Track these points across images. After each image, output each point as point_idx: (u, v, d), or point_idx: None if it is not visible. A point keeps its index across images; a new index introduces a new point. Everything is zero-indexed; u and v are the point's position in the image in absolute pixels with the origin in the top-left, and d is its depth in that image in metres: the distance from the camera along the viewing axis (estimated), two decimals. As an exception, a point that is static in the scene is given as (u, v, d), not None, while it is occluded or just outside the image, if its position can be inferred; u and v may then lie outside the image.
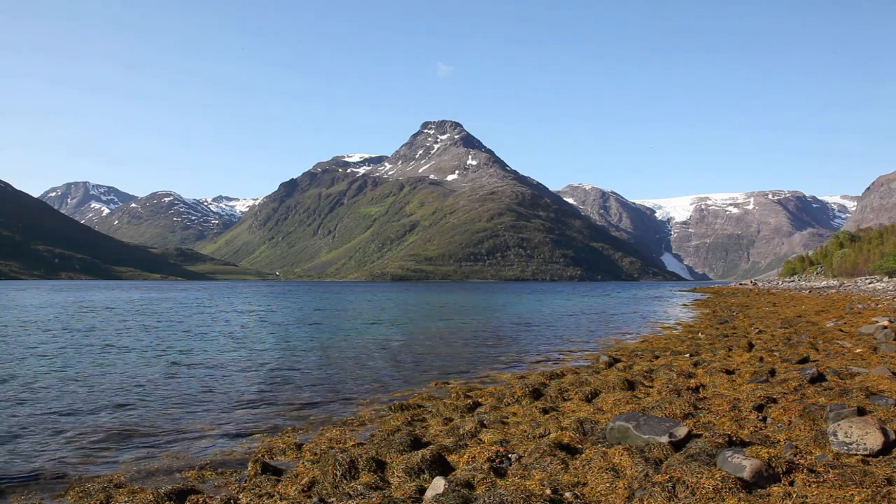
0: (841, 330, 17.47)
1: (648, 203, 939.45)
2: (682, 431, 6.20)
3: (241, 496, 5.98)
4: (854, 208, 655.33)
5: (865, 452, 5.50)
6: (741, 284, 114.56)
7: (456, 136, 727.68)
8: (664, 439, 6.10)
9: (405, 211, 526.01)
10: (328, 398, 11.36)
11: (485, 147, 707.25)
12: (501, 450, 6.68)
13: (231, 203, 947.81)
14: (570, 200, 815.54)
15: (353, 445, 7.72)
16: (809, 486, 4.78)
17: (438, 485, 5.48)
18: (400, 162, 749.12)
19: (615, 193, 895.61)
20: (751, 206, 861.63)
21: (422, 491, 5.62)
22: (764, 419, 7.22)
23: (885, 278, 72.51)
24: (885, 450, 5.48)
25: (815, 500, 4.55)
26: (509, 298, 69.11)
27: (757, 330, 20.12)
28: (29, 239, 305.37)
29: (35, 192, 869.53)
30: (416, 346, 20.34)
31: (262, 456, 7.53)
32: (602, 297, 75.86)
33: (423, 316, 37.33)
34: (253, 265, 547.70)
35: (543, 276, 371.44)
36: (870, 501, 4.47)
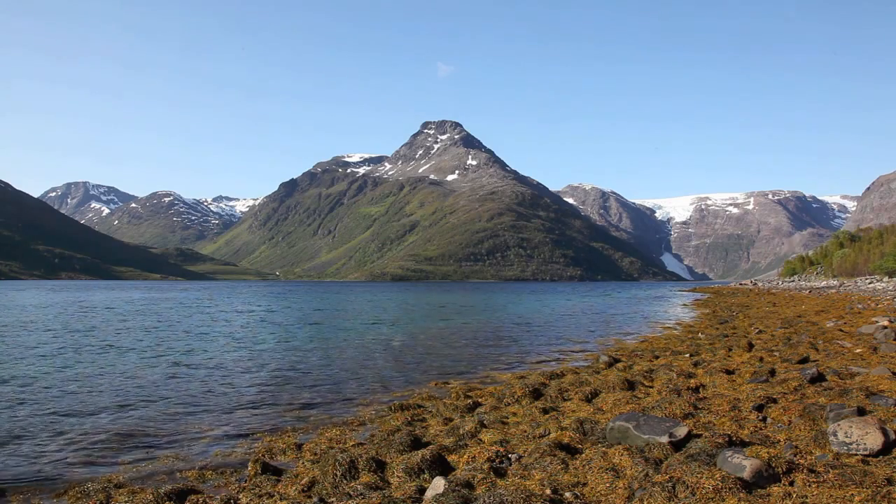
0: (841, 330, 17.47)
1: (648, 203, 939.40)
2: (682, 431, 6.20)
3: (241, 496, 5.98)
4: (854, 208, 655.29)
5: (865, 452, 5.50)
6: (741, 284, 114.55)
7: (456, 136, 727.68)
8: (664, 439, 6.10)
9: (405, 211, 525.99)
10: (328, 398, 11.36)
11: (485, 147, 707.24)
12: (501, 450, 6.68)
13: (231, 203, 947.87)
14: (570, 200, 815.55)
15: (353, 445, 7.72)
16: (809, 486, 4.78)
17: (438, 485, 5.48)
18: (400, 162, 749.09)
19: (615, 193, 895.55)
20: (751, 206, 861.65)
21: (422, 491, 5.62)
22: (764, 419, 7.22)
23: (885, 278, 72.51)
24: (885, 450, 5.48)
25: (815, 500, 4.55)
26: (509, 298, 69.10)
27: (757, 330, 20.12)
28: (29, 239, 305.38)
29: (35, 192, 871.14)
30: (416, 346, 20.34)
31: (263, 456, 7.53)
32: (602, 297, 75.86)
33: (423, 316, 37.33)
34: (253, 265, 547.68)
35: (543, 276, 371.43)
36: (870, 501, 4.47)
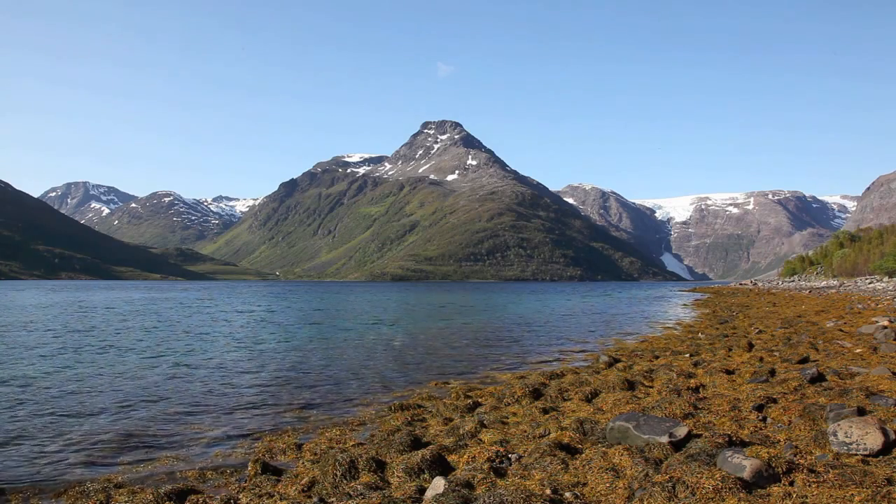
0: (841, 330, 17.47)
1: (648, 203, 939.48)
2: (682, 431, 6.20)
3: (241, 496, 5.98)
4: (854, 208, 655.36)
5: (865, 452, 5.50)
6: (741, 284, 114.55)
7: (456, 136, 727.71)
8: (664, 439, 6.10)
9: (405, 211, 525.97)
10: (328, 398, 11.36)
11: (485, 147, 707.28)
12: (501, 450, 6.68)
13: (231, 203, 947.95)
14: (570, 200, 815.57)
15: (353, 445, 7.72)
16: (809, 486, 4.78)
17: (438, 485, 5.48)
18: (400, 162, 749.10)
19: (615, 193, 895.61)
20: (751, 206, 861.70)
21: (422, 491, 5.62)
22: (764, 419, 7.22)
23: (885, 278, 72.50)
24: (885, 450, 5.48)
25: (815, 500, 4.55)
26: (509, 298, 69.10)
27: (757, 330, 20.12)
28: (29, 239, 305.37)
29: (35, 192, 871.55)
30: (416, 346, 20.34)
31: (263, 456, 7.53)
32: (602, 297, 75.87)
33: (423, 316, 37.33)
34: (253, 265, 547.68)
35: (543, 276, 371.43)
36: (870, 501, 4.47)
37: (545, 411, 9.00)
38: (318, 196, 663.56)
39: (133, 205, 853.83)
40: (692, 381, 10.34)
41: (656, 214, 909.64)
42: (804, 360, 11.86)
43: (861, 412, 6.65)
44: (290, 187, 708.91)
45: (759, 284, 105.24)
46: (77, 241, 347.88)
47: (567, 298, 68.84)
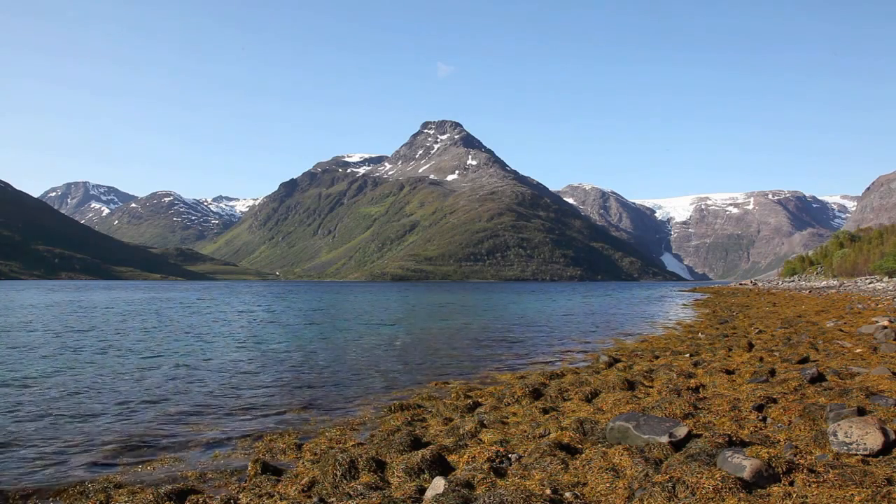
0: (841, 330, 17.47)
1: (648, 203, 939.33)
2: (682, 431, 6.20)
3: (241, 496, 5.98)
4: (854, 208, 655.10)
5: (865, 452, 5.50)
6: (741, 284, 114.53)
7: (456, 136, 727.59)
8: (664, 439, 6.09)
9: (405, 211, 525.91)
10: (328, 398, 11.36)
11: (485, 147, 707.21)
12: (501, 450, 6.68)
13: (231, 203, 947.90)
14: (570, 200, 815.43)
15: (353, 445, 7.72)
16: (809, 486, 4.78)
17: (438, 485, 5.48)
18: (400, 162, 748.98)
19: (615, 193, 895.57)
20: (751, 206, 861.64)
21: (422, 491, 5.62)
22: (764, 419, 7.22)
23: (885, 278, 72.49)
24: (885, 450, 5.47)
25: (815, 500, 4.55)
26: (509, 298, 69.10)
27: (757, 330, 20.12)
28: (29, 239, 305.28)
29: (35, 192, 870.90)
30: (416, 346, 20.33)
31: (263, 456, 7.53)
32: (602, 297, 75.86)
33: (423, 316, 37.32)
34: (253, 265, 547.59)
35: (543, 276, 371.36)
36: (870, 501, 4.46)
37: (545, 411, 8.99)
38: (318, 196, 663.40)
39: (133, 205, 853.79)
40: (692, 381, 10.33)
41: (656, 214, 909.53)
42: (804, 360, 11.86)
43: (861, 412, 6.65)
44: (290, 187, 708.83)
45: (759, 284, 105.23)
46: (77, 241, 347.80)
47: (567, 298, 68.83)
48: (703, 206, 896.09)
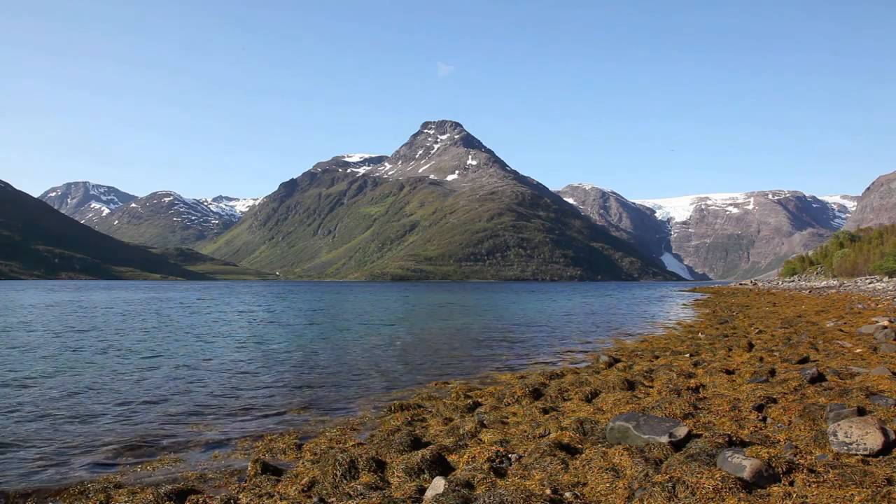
0: (841, 330, 17.47)
1: (648, 203, 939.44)
2: (682, 431, 6.20)
3: (241, 496, 5.98)
4: (854, 208, 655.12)
5: (865, 452, 5.50)
6: (741, 284, 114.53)
7: (456, 136, 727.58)
8: (664, 439, 6.09)
9: (405, 211, 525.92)
10: (328, 398, 11.36)
11: (485, 147, 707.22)
12: (501, 450, 6.68)
13: (231, 203, 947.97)
14: (570, 200, 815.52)
15: (353, 445, 7.71)
16: (809, 486, 4.78)
17: (438, 485, 5.48)
18: (400, 162, 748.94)
19: (615, 193, 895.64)
20: (751, 206, 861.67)
21: (422, 491, 5.62)
22: (764, 419, 7.22)
23: (885, 278, 72.49)
24: (885, 450, 5.47)
25: (815, 500, 4.55)
26: (509, 298, 69.09)
27: (757, 330, 20.12)
28: (29, 239, 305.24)
29: (35, 192, 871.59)
30: (416, 346, 20.33)
31: (263, 456, 7.53)
32: (602, 297, 75.85)
33: (423, 316, 37.32)
34: (253, 265, 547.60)
35: (543, 276, 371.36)
36: (870, 501, 4.46)
37: (545, 411, 8.99)
38: (318, 196, 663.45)
39: (133, 205, 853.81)
40: (692, 381, 10.33)
41: (656, 214, 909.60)
42: (804, 360, 11.86)
43: (861, 412, 6.64)
44: (290, 187, 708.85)
45: (759, 284, 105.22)
46: (77, 241, 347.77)
47: (567, 298, 68.83)
48: (703, 206, 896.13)
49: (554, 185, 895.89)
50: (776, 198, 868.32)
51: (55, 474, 7.11)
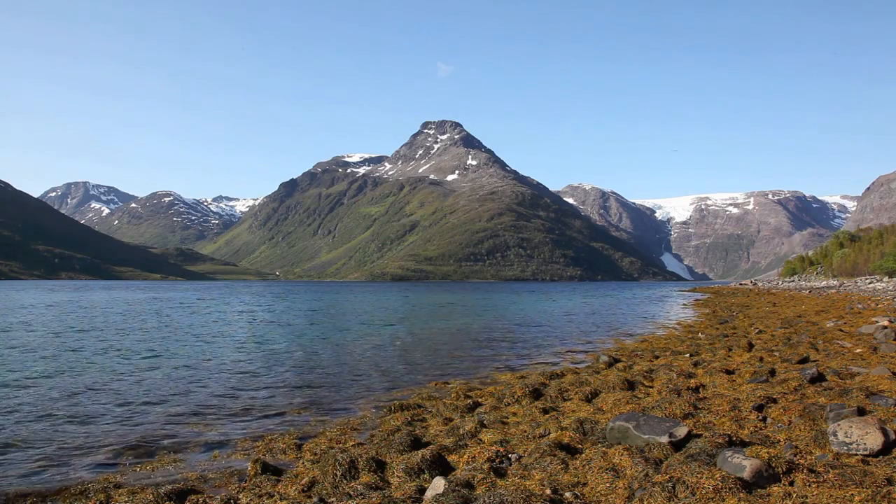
0: (841, 330, 17.47)
1: (648, 203, 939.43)
2: (682, 431, 6.20)
3: (241, 496, 5.98)
4: (854, 208, 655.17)
5: (865, 452, 5.50)
6: (741, 284, 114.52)
7: (456, 136, 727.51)
8: (664, 439, 6.09)
9: (405, 211, 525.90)
10: (328, 398, 11.36)
11: (485, 147, 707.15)
12: (501, 450, 6.68)
13: (231, 203, 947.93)
14: (570, 200, 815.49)
15: (353, 445, 7.71)
16: (809, 486, 4.78)
17: (438, 485, 5.48)
18: (400, 162, 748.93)
19: (615, 193, 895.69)
20: (751, 206, 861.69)
21: (422, 491, 5.62)
22: (764, 419, 7.22)
23: (885, 278, 72.49)
24: (885, 450, 5.47)
25: (815, 500, 4.55)
26: (509, 298, 69.09)
27: (757, 330, 20.11)
28: (29, 239, 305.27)
29: (35, 192, 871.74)
30: (416, 346, 20.33)
31: (263, 456, 7.53)
32: (602, 297, 75.85)
33: (423, 316, 37.33)
34: (253, 265, 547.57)
35: (543, 276, 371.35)
36: (870, 501, 4.46)
37: (545, 411, 8.99)
38: (318, 196, 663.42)
39: (133, 205, 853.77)
40: (692, 381, 10.33)
41: (656, 214, 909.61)
42: (804, 360, 11.86)
43: (861, 412, 6.65)
44: (290, 187, 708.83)
45: (759, 284, 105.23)
46: (77, 241, 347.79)
47: (567, 298, 68.84)
48: (703, 206, 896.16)
49: (554, 185, 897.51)
50: (776, 198, 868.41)
51: (55, 474, 7.11)
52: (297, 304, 51.48)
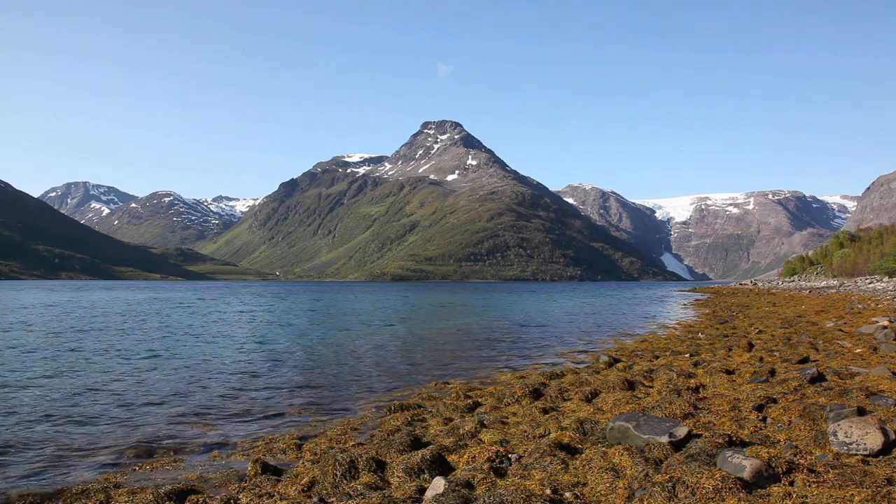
0: (841, 330, 17.47)
1: (648, 203, 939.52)
2: (682, 431, 6.20)
3: (241, 496, 5.98)
4: (854, 208, 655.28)
5: (865, 452, 5.50)
6: (741, 284, 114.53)
7: (456, 136, 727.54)
8: (664, 439, 6.09)
9: (405, 211, 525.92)
10: (328, 398, 11.36)
11: (485, 147, 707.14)
12: (501, 450, 6.68)
13: (231, 203, 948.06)
14: (570, 200, 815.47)
15: (353, 445, 7.72)
16: (809, 486, 4.78)
17: (438, 485, 5.48)
18: (400, 162, 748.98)
19: (615, 193, 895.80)
20: (751, 206, 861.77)
21: (422, 491, 5.62)
22: (764, 419, 7.22)
23: (885, 278, 72.50)
24: (885, 450, 5.47)
25: (815, 500, 4.55)
26: (509, 299, 69.10)
27: (757, 330, 20.12)
28: (29, 239, 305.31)
29: (35, 192, 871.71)
30: (416, 346, 20.34)
31: (263, 456, 7.53)
32: (602, 297, 75.85)
33: (423, 316, 37.33)
34: (253, 265, 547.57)
35: (543, 276, 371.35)
36: (870, 501, 4.46)
37: (545, 411, 8.99)
38: (318, 196, 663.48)
39: (133, 205, 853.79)
40: (692, 381, 10.33)
41: (656, 214, 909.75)
42: (804, 360, 11.86)
43: (861, 412, 6.65)
44: (290, 187, 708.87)
45: (759, 284, 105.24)
46: (77, 241, 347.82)
47: (567, 298, 68.84)
48: (703, 206, 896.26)
49: (554, 185, 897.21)
50: (776, 198, 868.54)
51: (56, 475, 7.11)
52: (296, 305, 51.48)
